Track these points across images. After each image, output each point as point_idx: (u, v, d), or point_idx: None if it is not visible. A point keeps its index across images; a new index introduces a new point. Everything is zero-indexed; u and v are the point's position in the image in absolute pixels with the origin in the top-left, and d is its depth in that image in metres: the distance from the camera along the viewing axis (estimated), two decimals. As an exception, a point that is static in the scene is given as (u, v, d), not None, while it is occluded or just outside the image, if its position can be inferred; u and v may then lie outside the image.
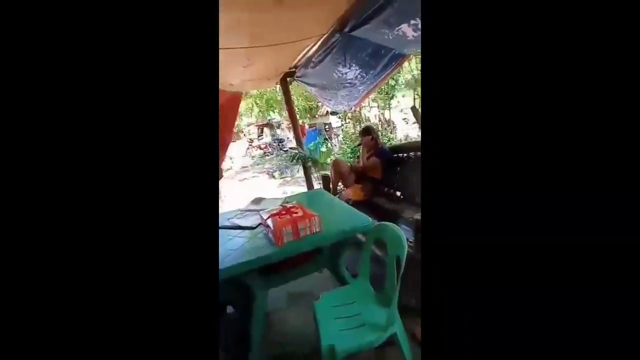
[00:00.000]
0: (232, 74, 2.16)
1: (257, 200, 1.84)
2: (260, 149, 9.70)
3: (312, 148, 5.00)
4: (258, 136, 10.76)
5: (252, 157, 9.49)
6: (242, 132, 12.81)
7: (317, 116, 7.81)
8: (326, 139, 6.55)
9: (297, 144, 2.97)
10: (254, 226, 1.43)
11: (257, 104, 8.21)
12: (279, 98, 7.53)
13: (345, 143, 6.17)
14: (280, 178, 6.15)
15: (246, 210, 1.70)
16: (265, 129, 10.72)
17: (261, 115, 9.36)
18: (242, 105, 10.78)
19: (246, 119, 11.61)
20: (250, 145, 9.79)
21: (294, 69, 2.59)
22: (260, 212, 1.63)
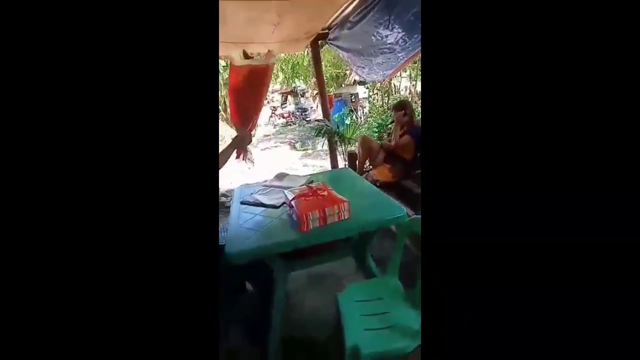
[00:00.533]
0: (260, 34, 1.96)
1: (281, 176, 1.75)
2: (283, 117, 9.49)
3: (336, 120, 4.73)
4: (282, 104, 10.50)
5: (275, 125, 9.35)
6: (266, 99, 12.53)
7: (343, 85, 7.38)
8: (352, 110, 6.22)
9: (324, 116, 2.77)
10: (278, 205, 1.35)
11: (282, 69, 7.85)
12: (305, 64, 7.14)
13: (372, 116, 5.83)
14: (302, 149, 6.02)
15: (269, 186, 1.61)
16: (289, 97, 10.41)
17: (286, 82, 9.01)
18: (267, 71, 10.43)
19: (270, 86, 11.30)
20: (274, 113, 9.59)
21: (326, 31, 2.32)
22: (285, 190, 1.54)
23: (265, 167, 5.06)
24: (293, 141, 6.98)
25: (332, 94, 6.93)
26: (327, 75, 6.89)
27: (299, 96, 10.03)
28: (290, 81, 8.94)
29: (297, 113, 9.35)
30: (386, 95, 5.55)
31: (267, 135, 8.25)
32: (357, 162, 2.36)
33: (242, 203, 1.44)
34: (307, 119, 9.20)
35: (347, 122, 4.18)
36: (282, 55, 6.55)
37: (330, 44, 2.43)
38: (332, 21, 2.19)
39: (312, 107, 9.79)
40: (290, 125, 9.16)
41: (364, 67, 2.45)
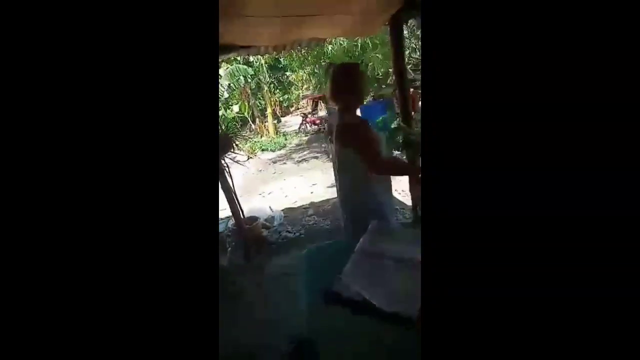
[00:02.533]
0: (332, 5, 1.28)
1: (382, 229, 0.98)
2: (315, 124, 8.87)
3: (379, 125, 3.96)
4: (312, 110, 9.92)
5: (306, 133, 8.75)
6: (293, 106, 12.11)
7: (384, 86, 6.58)
8: (398, 113, 5.39)
9: (404, 121, 2.01)
10: (411, 318, 0.60)
11: (315, 73, 7.23)
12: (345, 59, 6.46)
13: (426, 118, 4.96)
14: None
15: (368, 254, 0.85)
16: (320, 103, 9.79)
17: (318, 87, 8.39)
18: (295, 78, 9.93)
19: (296, 92, 10.80)
20: (305, 120, 9.01)
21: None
22: (404, 264, 0.79)
23: (307, 181, 4.42)
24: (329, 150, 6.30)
25: (415, 91, 6.05)
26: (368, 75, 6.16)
27: (331, 101, 9.36)
28: (325, 86, 8.32)
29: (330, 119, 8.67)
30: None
31: (300, 145, 7.64)
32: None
33: (327, 299, 0.70)
34: (341, 124, 8.49)
35: (394, 126, 3.39)
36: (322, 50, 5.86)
37: (419, 18, 1.69)
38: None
39: (346, 112, 9.06)
40: (322, 132, 8.51)
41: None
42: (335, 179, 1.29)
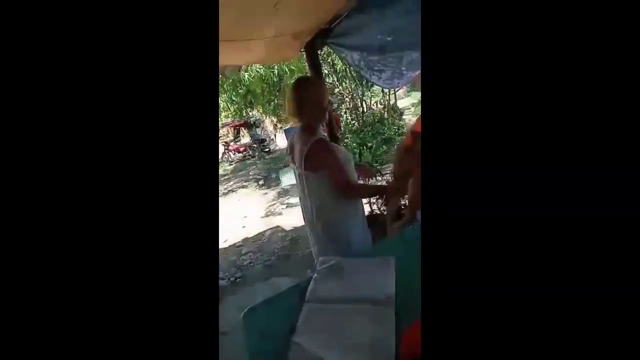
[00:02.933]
0: (260, 20, 1.19)
1: (336, 267, 0.85)
2: (239, 152, 8.49)
3: None
4: (234, 138, 9.50)
5: (231, 162, 8.27)
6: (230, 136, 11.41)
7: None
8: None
9: (333, 140, 2.03)
10: None
11: (233, 101, 6.97)
12: (259, 91, 6.44)
13: (347, 137, 5.32)
14: (274, 187, 5.10)
15: (320, 302, 0.73)
16: (242, 130, 9.49)
17: (238, 113, 8.11)
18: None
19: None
20: (227, 149, 8.52)
21: (329, 26, 1.66)
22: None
23: (237, 214, 4.04)
24: (258, 177, 6.04)
25: (339, 114, 6.21)
26: (275, 100, 6.25)
27: (254, 127, 9.18)
28: (244, 112, 8.09)
29: (255, 145, 8.45)
30: (357, 112, 5.15)
31: (225, 175, 7.12)
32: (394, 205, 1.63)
33: None
34: (266, 149, 8.37)
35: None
36: (234, 78, 5.71)
37: (331, 44, 1.78)
38: (337, 13, 1.53)
39: (270, 138, 9.01)
40: (248, 159, 8.20)
41: (379, 72, 1.83)
42: (302, 205, 1.17)
